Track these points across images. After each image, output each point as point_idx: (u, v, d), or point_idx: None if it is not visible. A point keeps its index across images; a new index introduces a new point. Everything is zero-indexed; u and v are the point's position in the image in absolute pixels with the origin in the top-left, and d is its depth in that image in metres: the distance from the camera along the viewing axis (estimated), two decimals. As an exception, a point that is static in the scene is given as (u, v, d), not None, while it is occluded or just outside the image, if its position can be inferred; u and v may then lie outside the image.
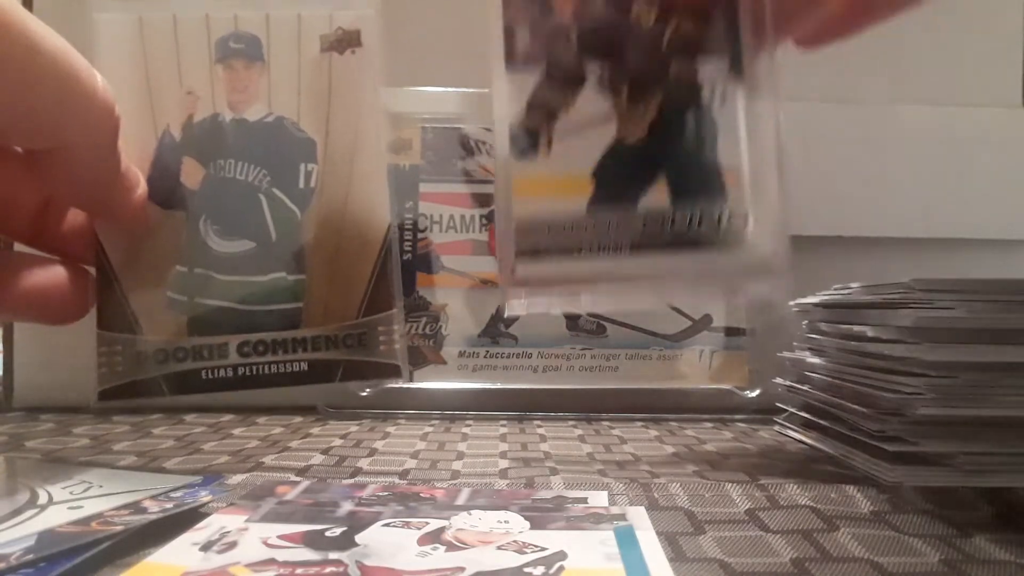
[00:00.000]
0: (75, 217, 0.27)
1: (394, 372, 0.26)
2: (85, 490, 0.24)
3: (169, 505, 0.22)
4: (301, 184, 0.27)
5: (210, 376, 0.26)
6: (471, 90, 0.47)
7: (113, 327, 0.25)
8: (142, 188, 0.26)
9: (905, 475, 0.26)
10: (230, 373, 0.26)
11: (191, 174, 0.26)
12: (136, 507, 0.22)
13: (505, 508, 0.23)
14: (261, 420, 0.41)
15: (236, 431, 0.38)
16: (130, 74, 0.26)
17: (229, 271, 0.26)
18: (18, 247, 0.28)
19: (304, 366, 0.26)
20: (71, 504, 0.22)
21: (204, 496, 0.23)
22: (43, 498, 0.23)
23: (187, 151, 0.26)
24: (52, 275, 0.26)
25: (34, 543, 0.18)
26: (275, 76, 0.27)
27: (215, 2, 0.27)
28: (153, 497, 0.23)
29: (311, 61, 0.27)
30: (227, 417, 0.42)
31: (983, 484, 0.25)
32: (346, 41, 0.27)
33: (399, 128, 0.47)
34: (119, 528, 0.20)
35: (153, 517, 0.21)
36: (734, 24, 0.27)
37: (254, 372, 0.26)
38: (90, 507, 0.21)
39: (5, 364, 0.46)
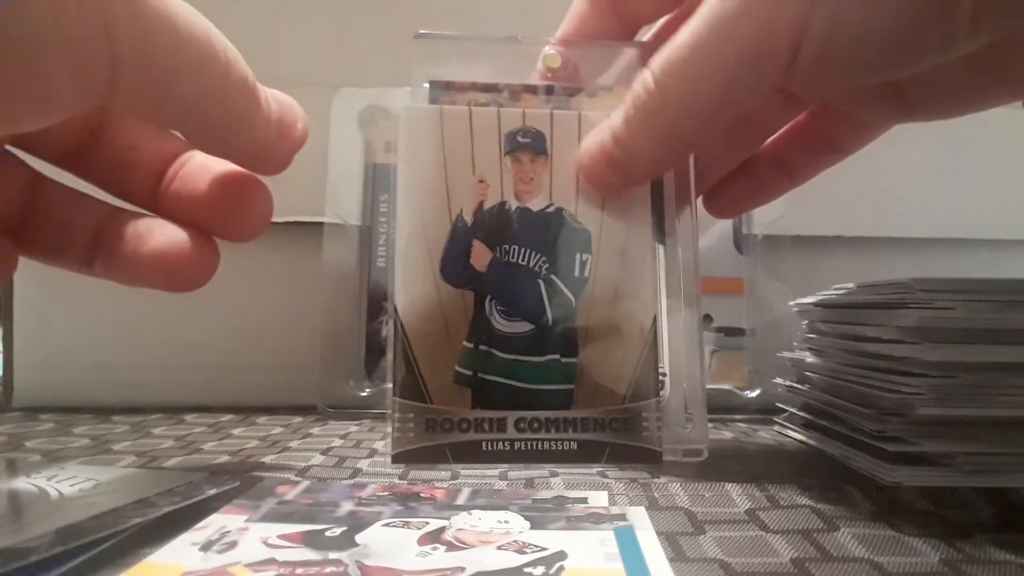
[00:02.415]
0: (196, 183, 0.26)
1: (656, 458, 0.28)
2: (94, 487, 0.24)
3: (176, 499, 0.22)
4: (576, 272, 0.28)
5: (490, 448, 0.27)
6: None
7: (408, 396, 0.27)
8: (302, 126, 0.26)
9: (905, 475, 0.26)
10: (507, 447, 0.27)
11: (479, 256, 0.28)
12: (146, 502, 0.22)
13: (505, 508, 0.23)
14: (261, 420, 0.41)
15: (236, 431, 0.38)
16: (432, 159, 0.28)
17: (509, 350, 0.28)
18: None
19: (574, 445, 0.27)
20: (85, 501, 0.22)
21: (209, 491, 0.23)
22: (54, 495, 0.23)
23: (477, 235, 0.28)
24: (175, 239, 0.25)
25: (55, 537, 0.18)
26: (556, 169, 0.29)
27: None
28: (160, 493, 0.23)
29: None
30: (227, 417, 0.42)
31: (983, 484, 0.25)
32: None
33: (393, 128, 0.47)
34: (136, 521, 0.20)
35: (165, 511, 0.21)
36: (659, 189, 0.30)
37: (528, 448, 0.27)
38: (104, 503, 0.22)
39: (5, 364, 0.46)
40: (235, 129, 0.23)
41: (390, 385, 0.27)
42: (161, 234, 0.25)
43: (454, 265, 0.28)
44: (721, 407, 0.44)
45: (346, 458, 0.31)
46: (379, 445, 0.34)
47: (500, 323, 0.28)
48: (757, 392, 0.44)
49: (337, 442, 0.35)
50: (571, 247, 0.28)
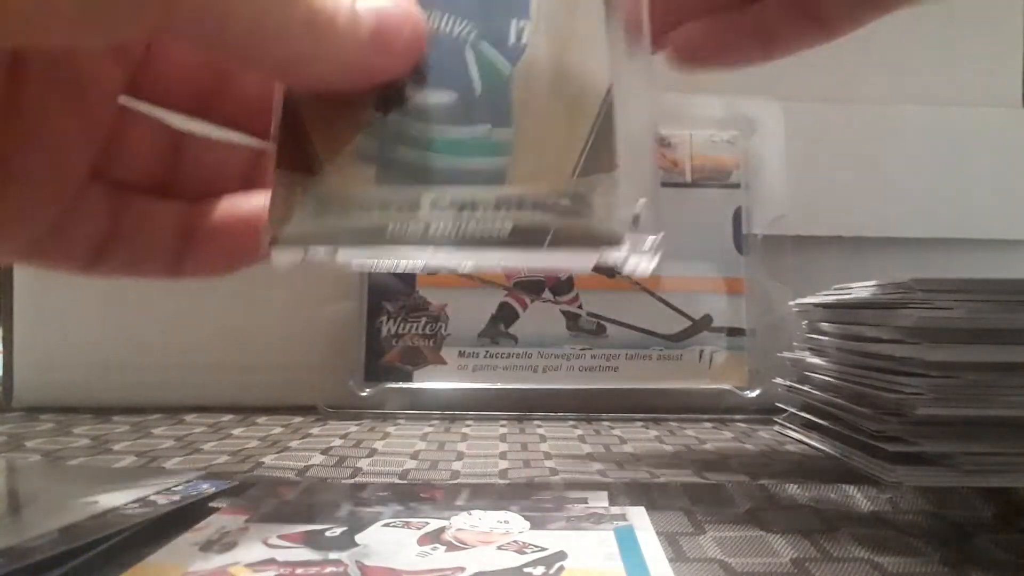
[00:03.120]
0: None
1: (613, 240, 0.22)
2: (94, 487, 0.24)
3: (176, 498, 0.22)
4: (511, 40, 0.24)
5: (398, 231, 0.22)
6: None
7: (294, 167, 0.22)
8: (410, 32, 0.22)
9: (905, 475, 0.26)
10: (420, 230, 0.22)
11: None
12: (145, 501, 0.22)
13: (505, 508, 0.23)
14: (261, 420, 0.41)
15: (236, 431, 0.38)
16: None
17: (428, 119, 0.23)
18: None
19: (507, 229, 0.22)
20: (86, 500, 0.22)
21: (208, 489, 0.23)
22: (56, 495, 0.23)
23: None
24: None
25: (57, 536, 0.18)
26: None
27: None
28: (160, 492, 0.23)
29: None
30: (227, 417, 0.42)
31: (983, 484, 0.25)
32: None
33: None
34: (136, 520, 0.20)
35: (165, 509, 0.21)
36: None
37: (447, 232, 0.22)
38: (104, 502, 0.22)
39: (5, 364, 0.46)
40: (308, 62, 0.21)
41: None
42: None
43: None
44: (721, 407, 0.44)
45: (346, 458, 0.31)
46: (379, 445, 0.34)
47: (416, 92, 0.23)
48: (757, 392, 0.44)
49: (337, 442, 0.35)
50: (505, 10, 0.24)
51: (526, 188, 0.23)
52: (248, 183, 0.25)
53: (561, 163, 0.23)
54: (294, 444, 0.34)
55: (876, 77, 0.51)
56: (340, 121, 0.23)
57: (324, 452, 0.32)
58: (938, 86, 0.51)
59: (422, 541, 0.20)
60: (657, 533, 0.21)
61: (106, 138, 0.23)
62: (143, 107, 0.25)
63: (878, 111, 0.50)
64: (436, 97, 0.23)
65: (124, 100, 0.24)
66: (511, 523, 0.21)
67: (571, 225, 0.22)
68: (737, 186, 0.47)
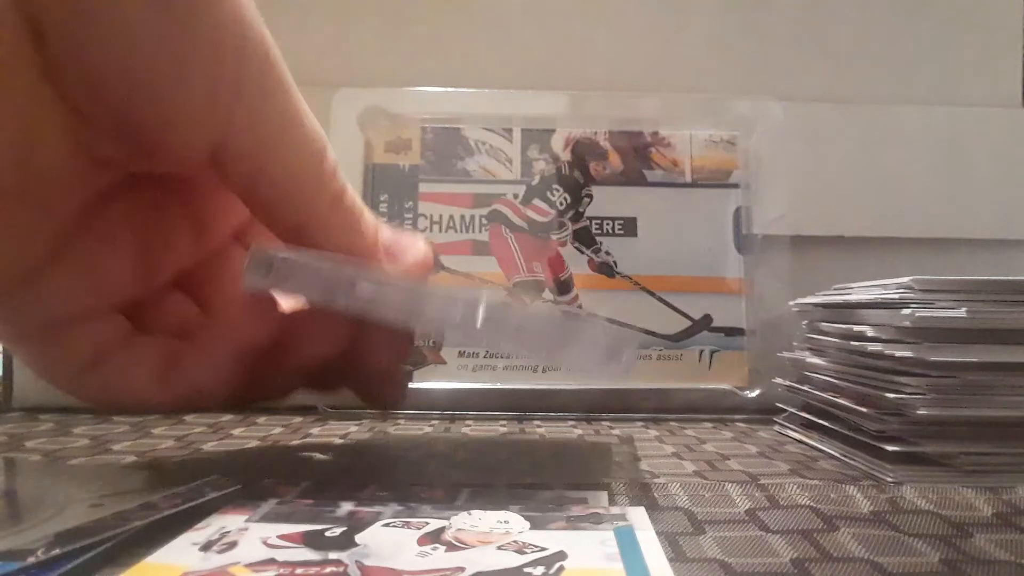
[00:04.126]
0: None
1: None
2: (94, 488, 0.24)
3: (177, 500, 0.22)
4: None
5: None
6: (471, 90, 0.47)
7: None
8: (414, 257, 0.26)
9: (905, 475, 0.26)
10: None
11: None
12: (148, 506, 0.22)
13: (505, 508, 0.23)
14: (261, 420, 0.41)
15: (236, 431, 0.38)
16: None
17: None
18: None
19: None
20: (86, 503, 0.22)
21: (211, 493, 0.23)
22: (57, 497, 0.23)
23: None
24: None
25: (53, 539, 0.18)
26: None
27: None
28: (164, 496, 0.23)
29: None
30: (227, 417, 0.42)
31: (983, 484, 0.25)
32: None
33: (399, 128, 0.47)
34: (138, 522, 0.20)
35: (166, 512, 0.21)
36: None
37: None
38: (105, 504, 0.22)
39: (5, 364, 0.46)
40: (323, 229, 0.24)
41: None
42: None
43: None
44: (721, 407, 0.44)
45: (346, 458, 0.31)
46: (380, 445, 0.34)
47: None
48: (757, 392, 0.44)
49: (337, 442, 0.35)
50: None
51: None
52: None
53: None
54: (294, 444, 0.34)
55: (876, 77, 0.51)
56: None
57: (324, 452, 0.32)
58: (938, 86, 0.51)
59: (422, 541, 0.20)
60: (657, 533, 0.21)
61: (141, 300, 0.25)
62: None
63: (878, 111, 0.50)
64: None
65: None
66: (511, 523, 0.21)
67: None
68: (737, 186, 0.47)
